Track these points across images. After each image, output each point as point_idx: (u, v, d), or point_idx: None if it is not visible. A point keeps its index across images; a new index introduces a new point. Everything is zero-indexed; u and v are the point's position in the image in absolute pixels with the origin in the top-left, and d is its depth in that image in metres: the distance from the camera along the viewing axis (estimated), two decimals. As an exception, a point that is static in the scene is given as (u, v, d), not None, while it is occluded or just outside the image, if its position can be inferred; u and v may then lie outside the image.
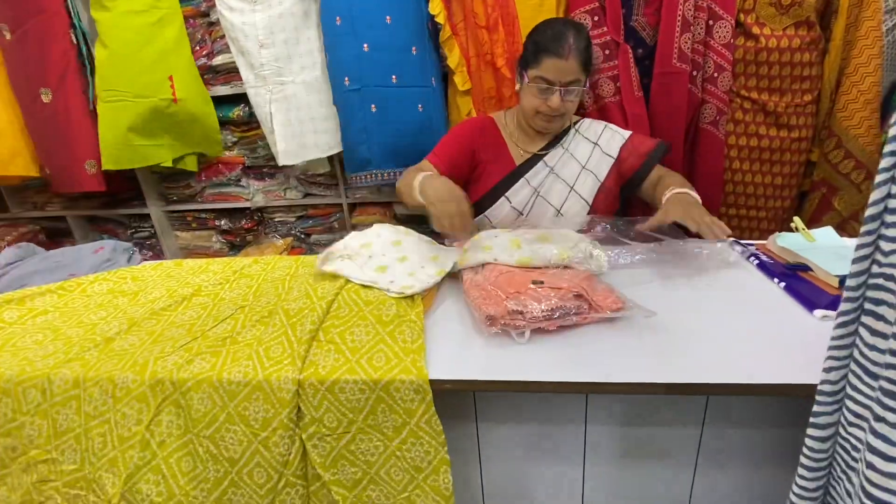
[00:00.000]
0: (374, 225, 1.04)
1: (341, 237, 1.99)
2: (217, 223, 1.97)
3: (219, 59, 1.67)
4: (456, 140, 1.18)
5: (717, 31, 1.29)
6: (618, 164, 1.15)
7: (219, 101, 1.75)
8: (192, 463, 0.69)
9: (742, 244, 1.02)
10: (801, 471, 0.47)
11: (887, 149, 0.36)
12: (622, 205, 1.24)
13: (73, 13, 1.62)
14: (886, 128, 1.33)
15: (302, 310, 0.80)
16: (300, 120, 1.58)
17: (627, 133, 1.17)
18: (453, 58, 1.41)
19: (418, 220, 1.83)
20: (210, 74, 1.72)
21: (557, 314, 0.73)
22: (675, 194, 0.98)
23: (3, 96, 1.70)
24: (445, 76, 1.52)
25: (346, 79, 1.42)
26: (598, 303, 0.74)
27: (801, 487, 0.47)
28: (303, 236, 1.97)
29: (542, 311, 0.72)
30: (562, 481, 0.81)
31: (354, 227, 1.91)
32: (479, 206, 1.17)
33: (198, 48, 1.67)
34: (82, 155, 1.71)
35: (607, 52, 1.36)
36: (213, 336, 0.79)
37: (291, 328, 0.76)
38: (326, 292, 0.83)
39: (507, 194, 1.15)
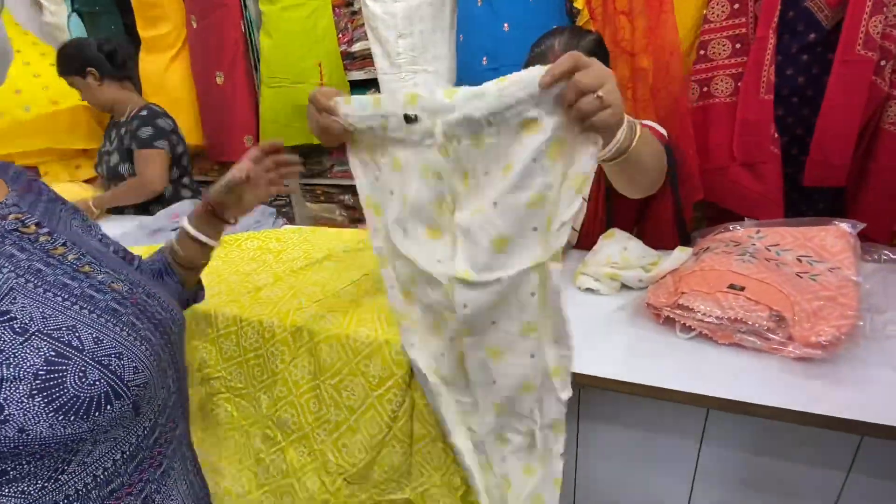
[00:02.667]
0: None
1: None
2: (342, 198, 2.16)
3: (357, 46, 1.81)
4: None
5: (923, 11, 1.06)
6: None
7: (353, 85, 1.90)
8: (318, 405, 0.79)
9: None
10: None
11: None
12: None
13: (244, 6, 1.88)
14: None
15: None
16: (425, 107, 1.65)
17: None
18: (587, 42, 1.36)
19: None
20: (348, 60, 1.86)
21: (733, 329, 0.67)
22: None
23: (188, 76, 2.04)
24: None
25: (485, 59, 1.44)
26: (799, 333, 0.63)
27: None
28: (414, 216, 2.07)
29: (717, 319, 0.67)
30: (663, 498, 0.77)
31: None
32: None
33: (340, 36, 1.82)
34: (241, 130, 1.99)
35: (737, 45, 1.20)
36: (342, 296, 0.88)
37: None
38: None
39: None
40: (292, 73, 1.79)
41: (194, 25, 1.93)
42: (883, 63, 1.10)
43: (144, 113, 1.53)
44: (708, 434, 0.70)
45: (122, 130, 1.56)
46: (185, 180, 1.67)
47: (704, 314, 0.68)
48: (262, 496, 0.85)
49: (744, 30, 1.20)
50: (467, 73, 1.53)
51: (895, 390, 0.59)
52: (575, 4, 1.33)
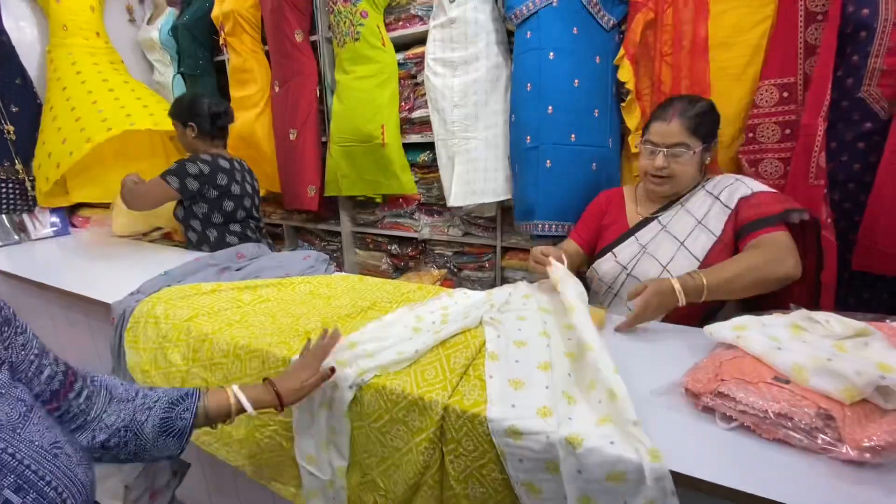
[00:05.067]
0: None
1: (490, 276, 2.10)
2: (389, 248, 2.27)
3: (416, 114, 1.98)
4: (589, 216, 1.34)
5: None
6: (734, 215, 1.07)
7: (410, 147, 2.06)
8: (364, 441, 0.83)
9: None
10: None
11: None
12: None
13: (321, 75, 2.12)
14: None
15: (457, 343, 0.89)
16: (475, 169, 1.77)
17: (758, 189, 1.08)
18: (632, 120, 1.43)
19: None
20: (407, 126, 2.04)
21: (778, 424, 0.63)
22: (658, 282, 0.95)
23: (269, 134, 2.29)
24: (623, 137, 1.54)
25: (528, 138, 1.55)
26: (850, 435, 0.60)
27: None
28: (455, 270, 2.13)
29: (761, 412, 0.65)
30: None
31: (503, 270, 2.00)
32: (591, 262, 1.30)
33: (403, 104, 2.01)
34: (307, 181, 2.18)
35: (787, 131, 1.23)
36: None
37: (446, 359, 0.85)
38: (480, 332, 0.91)
39: (614, 250, 1.21)
40: (359, 134, 1.97)
41: (276, 90, 2.19)
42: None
43: (189, 156, 1.68)
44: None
45: None
46: (235, 227, 1.77)
47: (747, 405, 0.66)
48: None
49: (793, 116, 1.22)
50: (516, 150, 1.65)
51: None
52: (626, 87, 1.41)
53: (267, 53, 2.23)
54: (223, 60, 2.34)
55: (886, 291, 1.26)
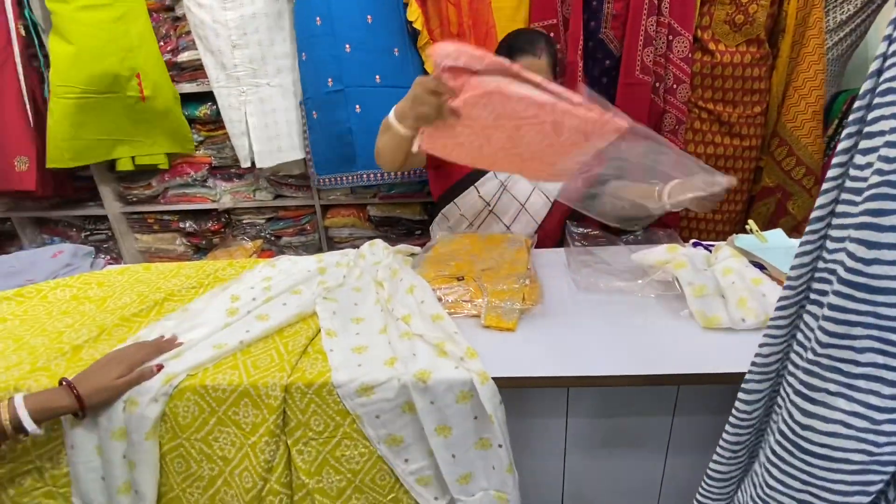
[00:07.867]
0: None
1: (314, 239, 1.97)
2: (181, 225, 1.90)
3: (185, 56, 1.62)
4: None
5: (676, 46, 1.38)
6: None
7: (185, 99, 1.69)
8: (183, 464, 0.69)
9: (703, 245, 1.09)
10: (728, 427, 0.52)
11: (835, 160, 0.40)
12: None
13: (21, 4, 1.53)
14: (828, 135, 1.45)
15: (293, 328, 0.80)
16: (276, 122, 1.56)
17: None
18: (431, 63, 1.43)
19: (392, 223, 1.84)
20: (175, 71, 1.66)
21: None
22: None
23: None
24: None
25: (330, 80, 1.41)
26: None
27: (726, 441, 0.52)
28: (273, 238, 1.93)
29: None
30: (543, 473, 0.85)
31: (327, 230, 1.89)
32: (450, 193, 1.21)
33: (162, 44, 1.61)
34: (13, 151, 1.59)
35: (557, 68, 1.44)
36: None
37: (283, 345, 0.75)
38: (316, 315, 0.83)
39: (476, 184, 1.20)
40: (97, 83, 1.50)
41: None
42: (657, 85, 1.39)
43: None
44: (571, 409, 0.79)
45: None
46: None
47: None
48: None
49: (559, 55, 1.40)
50: (315, 94, 1.49)
51: (702, 346, 0.75)
52: (414, 25, 1.40)
53: None
54: None
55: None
